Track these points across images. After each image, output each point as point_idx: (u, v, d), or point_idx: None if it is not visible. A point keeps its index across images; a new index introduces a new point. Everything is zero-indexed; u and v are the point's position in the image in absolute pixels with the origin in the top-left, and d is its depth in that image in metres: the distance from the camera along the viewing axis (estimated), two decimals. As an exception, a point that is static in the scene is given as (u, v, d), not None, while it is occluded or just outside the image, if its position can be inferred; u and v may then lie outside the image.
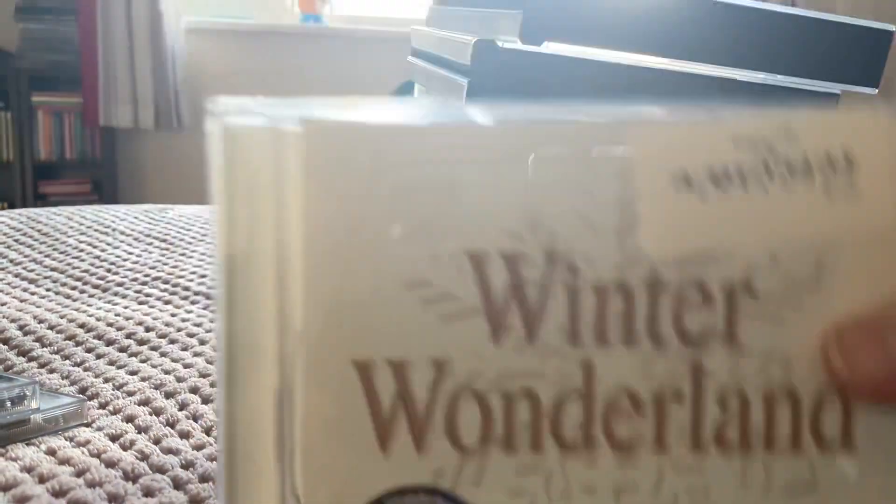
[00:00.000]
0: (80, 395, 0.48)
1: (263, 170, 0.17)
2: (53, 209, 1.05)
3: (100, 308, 0.66)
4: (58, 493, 0.37)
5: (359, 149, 0.17)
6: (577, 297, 0.17)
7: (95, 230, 0.94)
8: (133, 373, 0.52)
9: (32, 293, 0.71)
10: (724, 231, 0.17)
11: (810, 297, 0.17)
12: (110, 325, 0.61)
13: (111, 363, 0.54)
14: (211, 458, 0.41)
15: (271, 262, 0.17)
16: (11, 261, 0.82)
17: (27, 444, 0.41)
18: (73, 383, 0.51)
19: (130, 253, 0.85)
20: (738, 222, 0.17)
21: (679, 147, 0.17)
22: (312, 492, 0.17)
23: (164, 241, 0.91)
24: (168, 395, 0.48)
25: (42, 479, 0.38)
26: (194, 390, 0.49)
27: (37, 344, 0.57)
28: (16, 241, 0.89)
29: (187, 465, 0.40)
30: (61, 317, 0.62)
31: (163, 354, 0.55)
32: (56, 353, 0.56)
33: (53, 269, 0.79)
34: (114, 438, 0.43)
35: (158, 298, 0.69)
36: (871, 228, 0.17)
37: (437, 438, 0.17)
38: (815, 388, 0.17)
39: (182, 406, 0.47)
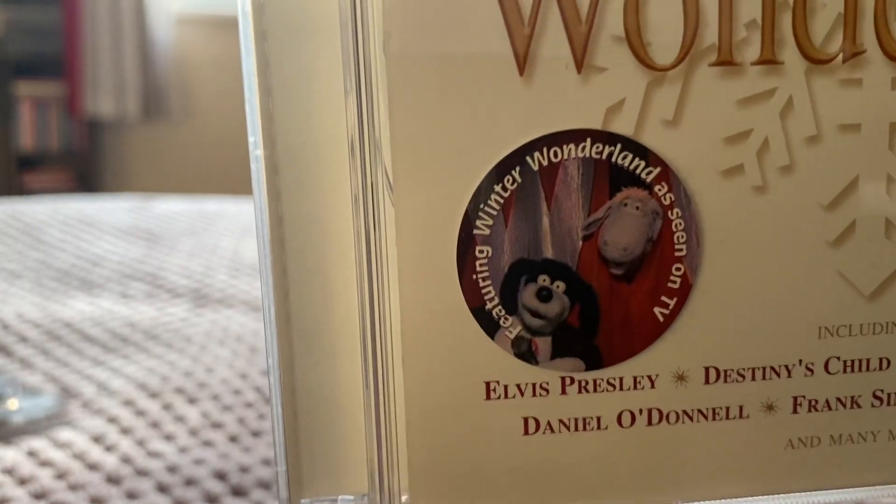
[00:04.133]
0: (62, 395, 0.47)
1: None
2: (36, 201, 1.03)
3: (83, 304, 0.65)
4: (39, 496, 0.36)
5: None
6: None
7: (79, 223, 0.92)
8: (116, 371, 0.51)
9: (13, 288, 0.70)
10: None
11: None
12: (93, 321, 0.59)
13: (94, 361, 0.53)
14: (196, 462, 0.40)
15: None
16: (-7, 254, 0.80)
17: (7, 445, 0.41)
18: (54, 382, 0.50)
19: (115, 248, 0.84)
20: None
21: None
22: None
23: (150, 235, 0.90)
24: (152, 396, 0.47)
25: (22, 482, 0.37)
26: (179, 390, 0.48)
27: (17, 341, 0.56)
28: (-3, 233, 0.87)
29: (172, 469, 0.39)
30: (43, 312, 0.61)
31: (147, 353, 0.54)
32: (37, 350, 0.55)
33: (35, 264, 0.77)
34: (96, 440, 0.42)
35: (143, 295, 0.68)
36: None
37: None
38: None
39: (166, 407, 0.46)
